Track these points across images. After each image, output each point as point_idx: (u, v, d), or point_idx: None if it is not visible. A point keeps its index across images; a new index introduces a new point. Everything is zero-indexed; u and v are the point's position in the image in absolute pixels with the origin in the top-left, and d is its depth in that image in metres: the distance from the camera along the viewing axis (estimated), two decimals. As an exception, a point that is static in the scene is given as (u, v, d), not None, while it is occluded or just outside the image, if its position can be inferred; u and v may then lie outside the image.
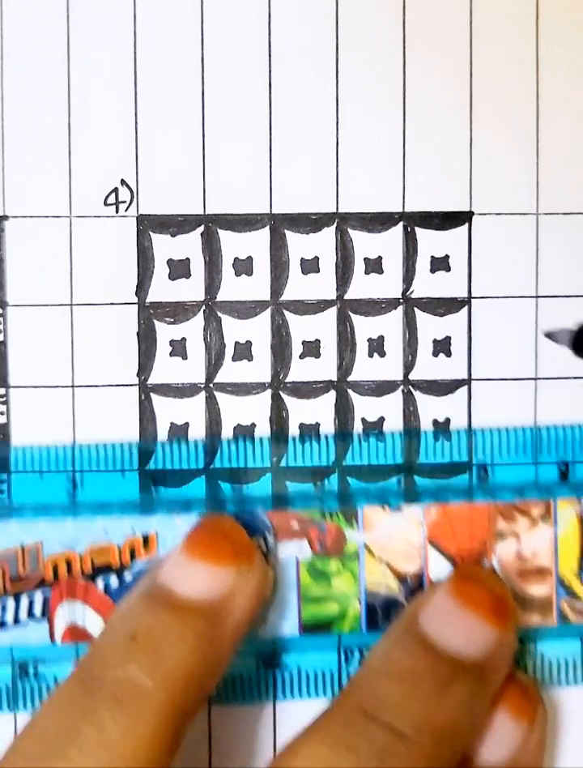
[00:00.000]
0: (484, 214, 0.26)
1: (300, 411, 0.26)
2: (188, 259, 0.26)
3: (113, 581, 0.26)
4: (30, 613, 0.26)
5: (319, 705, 0.23)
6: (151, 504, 0.26)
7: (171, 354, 0.26)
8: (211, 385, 0.26)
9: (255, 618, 0.24)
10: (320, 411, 0.26)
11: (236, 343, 0.26)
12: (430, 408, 0.27)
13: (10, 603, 0.25)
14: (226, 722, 0.26)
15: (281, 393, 0.26)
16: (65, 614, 0.26)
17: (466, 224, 0.26)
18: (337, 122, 0.26)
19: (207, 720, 0.26)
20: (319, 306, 0.26)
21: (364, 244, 0.26)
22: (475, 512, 0.26)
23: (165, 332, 0.26)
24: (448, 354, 0.27)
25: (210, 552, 0.23)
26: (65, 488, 0.26)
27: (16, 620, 0.26)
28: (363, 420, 0.26)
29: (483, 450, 0.26)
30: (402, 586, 0.26)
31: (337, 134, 0.26)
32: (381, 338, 0.27)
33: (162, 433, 0.26)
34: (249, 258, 0.26)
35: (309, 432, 0.26)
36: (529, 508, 0.26)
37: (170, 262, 0.26)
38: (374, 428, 0.26)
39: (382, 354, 0.27)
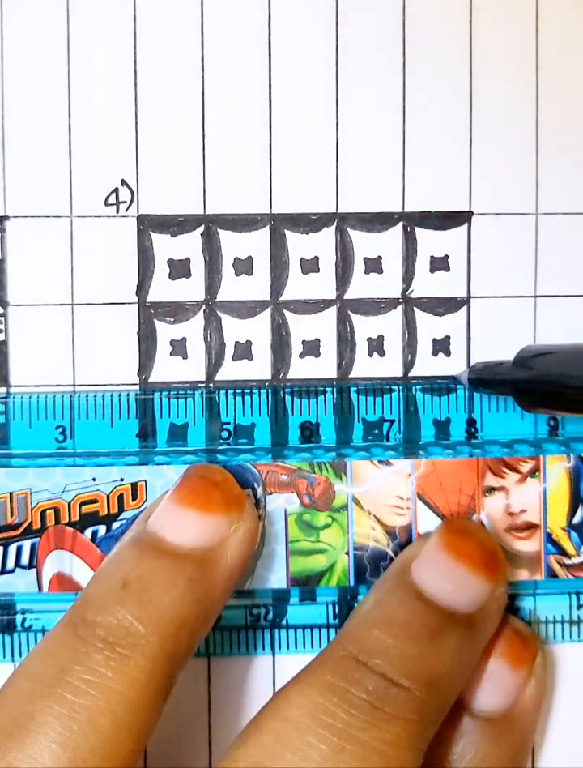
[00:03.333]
0: (483, 214, 0.26)
1: (300, 410, 0.27)
2: (188, 259, 0.26)
3: (101, 530, 0.26)
4: (17, 562, 0.26)
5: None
6: (140, 454, 0.26)
7: (171, 353, 0.26)
8: (211, 384, 0.26)
9: (246, 566, 0.24)
10: (321, 410, 0.27)
11: (236, 342, 0.26)
12: (430, 407, 0.27)
13: None
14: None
15: (281, 392, 0.27)
16: (53, 563, 0.26)
17: (466, 224, 0.26)
18: (337, 122, 0.26)
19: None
20: (319, 306, 0.27)
21: (364, 244, 0.26)
22: (464, 466, 0.26)
23: (165, 332, 0.26)
24: (448, 354, 0.27)
25: (201, 500, 0.23)
26: (54, 437, 0.26)
27: (3, 569, 0.26)
28: (363, 419, 0.26)
29: (472, 405, 0.26)
30: (391, 539, 0.26)
31: (337, 134, 0.26)
32: (381, 337, 0.27)
33: (162, 433, 0.26)
34: (249, 258, 0.26)
35: (310, 430, 0.26)
36: (518, 463, 0.26)
37: (170, 261, 0.26)
38: (374, 427, 0.26)
39: (382, 353, 0.27)
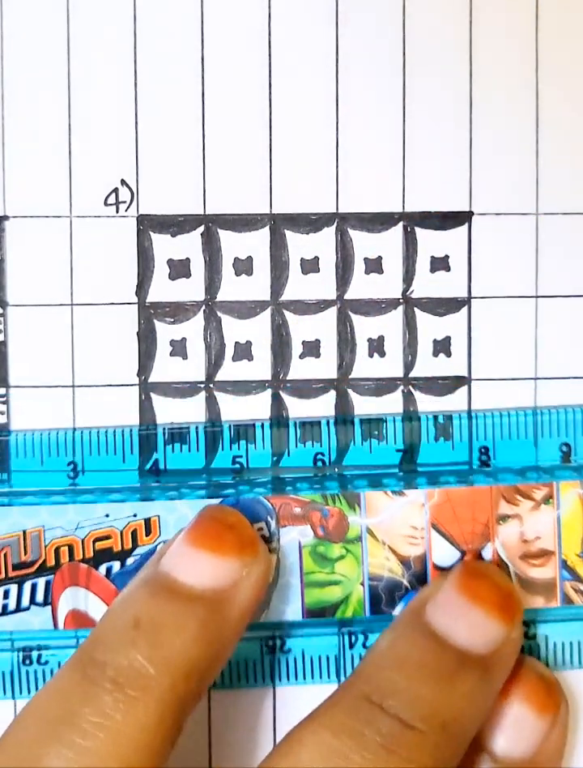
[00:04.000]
0: (484, 214, 0.26)
1: (300, 411, 0.27)
2: (188, 259, 0.26)
3: (115, 566, 0.26)
4: (32, 599, 0.26)
5: (320, 689, 0.23)
6: (153, 489, 0.26)
7: (171, 354, 0.26)
8: (211, 384, 0.26)
9: (258, 608, 0.24)
10: (320, 411, 0.27)
11: (236, 343, 0.26)
12: (430, 408, 0.27)
13: (13, 589, 0.26)
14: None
15: (281, 393, 0.26)
16: (68, 600, 0.26)
17: (466, 224, 0.26)
18: (337, 122, 0.26)
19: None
20: (319, 306, 0.27)
21: (364, 244, 0.26)
22: (477, 494, 0.26)
23: (165, 332, 0.26)
24: (448, 354, 0.27)
25: (214, 542, 0.23)
26: (66, 474, 0.26)
27: (18, 606, 0.26)
28: (363, 420, 0.26)
29: (485, 433, 0.26)
30: (405, 569, 0.26)
31: (337, 134, 0.26)
32: (381, 338, 0.27)
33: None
34: (249, 258, 0.26)
35: (309, 431, 0.26)
36: (532, 490, 0.26)
37: (170, 262, 0.26)
38: (375, 428, 0.26)
39: (382, 354, 0.27)
